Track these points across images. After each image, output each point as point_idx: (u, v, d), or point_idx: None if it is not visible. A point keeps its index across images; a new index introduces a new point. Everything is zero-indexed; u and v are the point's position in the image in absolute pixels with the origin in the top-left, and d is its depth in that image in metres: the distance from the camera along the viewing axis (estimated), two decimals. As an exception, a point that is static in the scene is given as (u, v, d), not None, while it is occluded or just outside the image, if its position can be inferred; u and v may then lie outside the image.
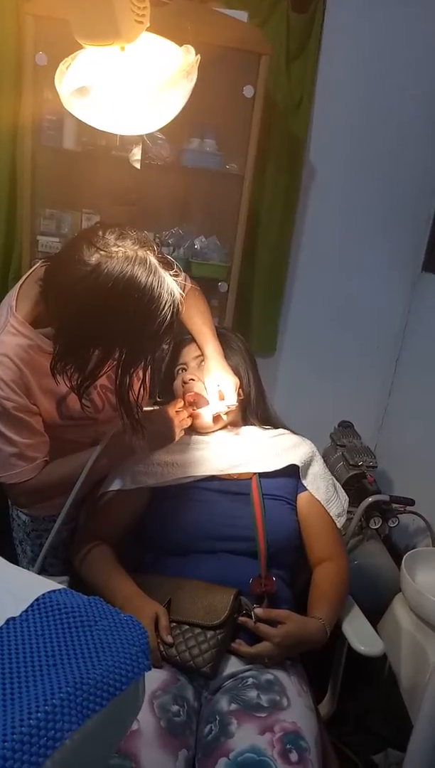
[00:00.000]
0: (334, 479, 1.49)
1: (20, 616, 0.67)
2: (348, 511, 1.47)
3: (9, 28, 1.98)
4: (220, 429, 1.43)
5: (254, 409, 1.48)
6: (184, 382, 1.41)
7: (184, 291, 1.09)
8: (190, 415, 1.33)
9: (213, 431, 1.43)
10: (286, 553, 1.35)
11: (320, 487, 1.42)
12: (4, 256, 2.23)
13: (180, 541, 1.31)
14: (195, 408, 1.35)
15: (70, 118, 2.02)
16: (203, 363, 1.41)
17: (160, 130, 2.00)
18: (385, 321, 2.69)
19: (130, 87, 1.06)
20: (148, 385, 1.19)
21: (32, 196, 2.07)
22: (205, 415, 1.38)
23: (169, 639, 1.14)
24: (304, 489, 1.41)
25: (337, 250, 2.59)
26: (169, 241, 2.27)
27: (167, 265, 1.07)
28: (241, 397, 1.43)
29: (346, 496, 1.48)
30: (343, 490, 1.49)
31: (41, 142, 2.05)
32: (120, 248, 1.02)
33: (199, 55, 1.07)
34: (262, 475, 1.38)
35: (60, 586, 0.74)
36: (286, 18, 2.19)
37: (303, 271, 2.59)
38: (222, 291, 2.28)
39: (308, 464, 1.43)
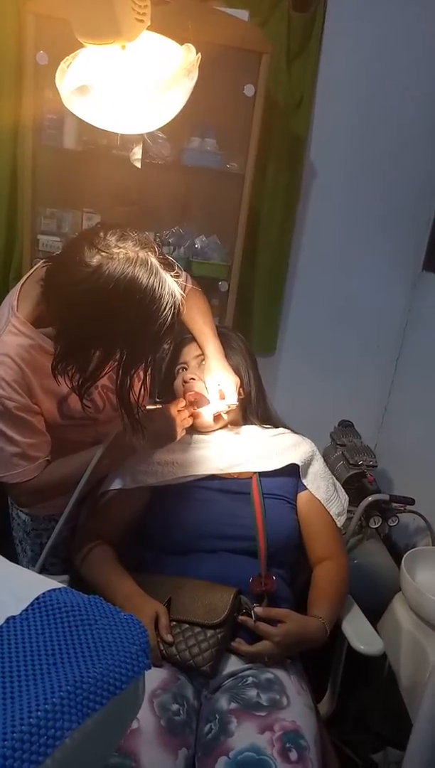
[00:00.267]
0: (334, 478, 1.49)
1: (20, 614, 0.68)
2: (348, 511, 1.47)
3: (10, 27, 1.98)
4: (221, 428, 1.43)
5: (255, 409, 1.48)
6: (185, 382, 1.41)
7: (185, 292, 1.10)
8: (191, 415, 1.34)
9: (213, 430, 1.43)
10: (286, 552, 1.35)
11: (320, 486, 1.42)
12: (5, 255, 2.23)
13: (180, 540, 1.31)
14: (196, 407, 1.35)
15: (70, 117, 2.02)
16: (204, 362, 1.41)
17: (161, 129, 2.00)
18: (385, 320, 2.69)
19: (131, 86, 1.06)
20: (148, 385, 1.19)
21: (33, 195, 2.07)
22: (206, 414, 1.38)
23: (169, 638, 1.14)
24: (305, 488, 1.41)
25: (337, 249, 2.59)
26: (170, 241, 2.27)
27: (168, 266, 1.07)
28: (242, 397, 1.44)
29: (346, 496, 1.48)
30: (343, 490, 1.49)
31: (42, 141, 2.05)
32: (121, 249, 1.02)
33: (200, 54, 1.07)
34: (263, 475, 1.38)
35: (60, 585, 0.74)
36: (286, 17, 2.19)
37: (303, 271, 2.59)
38: (222, 290, 2.28)
39: (308, 463, 1.43)
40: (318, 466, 1.45)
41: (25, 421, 1.19)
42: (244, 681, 1.14)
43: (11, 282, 2.21)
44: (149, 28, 1.03)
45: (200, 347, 1.43)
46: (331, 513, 1.40)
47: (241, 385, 1.43)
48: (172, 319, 1.06)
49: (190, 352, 1.45)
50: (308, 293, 2.62)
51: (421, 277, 2.58)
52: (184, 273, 1.11)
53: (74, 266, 1.02)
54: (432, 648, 1.39)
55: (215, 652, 1.13)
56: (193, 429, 1.40)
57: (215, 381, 1.38)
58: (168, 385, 1.49)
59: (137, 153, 2.09)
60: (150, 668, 0.66)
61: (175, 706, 1.07)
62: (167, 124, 1.14)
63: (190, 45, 1.08)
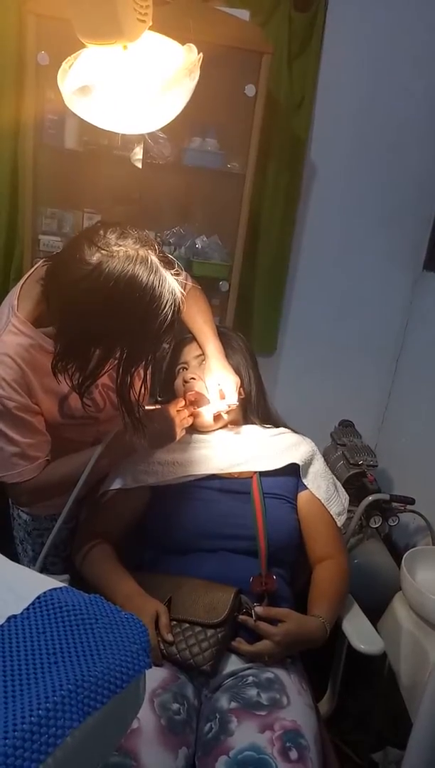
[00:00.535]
0: (335, 478, 1.49)
1: (21, 613, 0.68)
2: (348, 510, 1.47)
3: (11, 27, 1.98)
4: (221, 428, 1.44)
5: (255, 408, 1.49)
6: (185, 381, 1.41)
7: (185, 290, 1.09)
8: (191, 414, 1.34)
9: (214, 430, 1.43)
10: (287, 552, 1.35)
11: (321, 485, 1.42)
12: (6, 255, 2.23)
13: (180, 540, 1.31)
14: (196, 407, 1.35)
15: (71, 118, 2.02)
16: (204, 362, 1.41)
17: (162, 129, 2.00)
18: (385, 320, 2.69)
19: (133, 86, 1.06)
20: (149, 385, 1.19)
21: (34, 195, 2.07)
22: (206, 414, 1.38)
23: (169, 637, 1.15)
24: (305, 488, 1.41)
25: (337, 249, 2.59)
26: (171, 241, 2.27)
27: (168, 265, 1.07)
28: (242, 396, 1.44)
29: (347, 495, 1.48)
30: (343, 489, 1.49)
31: (43, 142, 2.05)
32: (121, 247, 1.02)
33: (201, 54, 1.07)
34: (263, 474, 1.38)
35: (61, 584, 0.74)
36: (287, 17, 2.19)
37: (304, 271, 2.59)
38: (223, 290, 2.28)
39: (309, 463, 1.43)
40: (318, 466, 1.45)
41: (25, 421, 1.19)
42: (244, 680, 1.14)
43: (12, 282, 2.21)
44: (151, 28, 1.03)
45: (200, 347, 1.43)
46: (332, 512, 1.40)
47: (242, 385, 1.43)
48: (172, 317, 1.06)
49: (190, 352, 1.45)
50: (309, 293, 2.62)
51: (422, 276, 2.58)
52: (183, 272, 1.11)
53: (74, 264, 1.02)
54: (432, 647, 1.39)
55: (215, 651, 1.13)
56: (194, 428, 1.40)
57: (215, 381, 1.38)
58: (168, 384, 1.49)
59: (138, 153, 2.09)
60: (151, 667, 0.66)
61: (175, 706, 1.07)
62: (168, 124, 1.14)
63: (191, 45, 1.08)
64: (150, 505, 1.37)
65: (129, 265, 1.01)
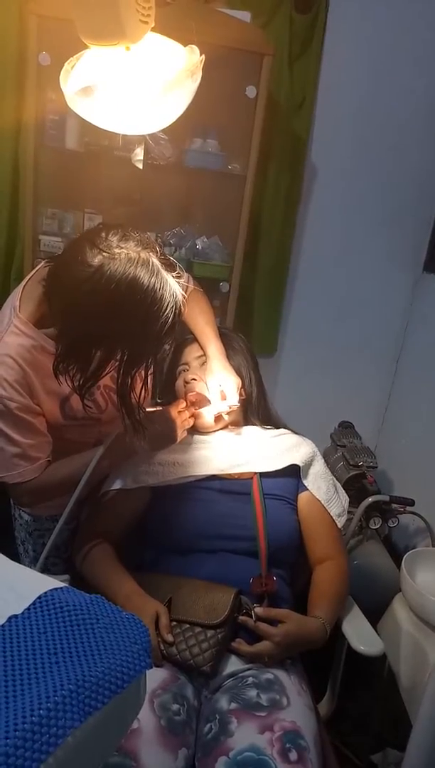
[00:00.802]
0: (335, 479, 1.50)
1: (22, 613, 0.68)
2: (348, 511, 1.47)
3: (12, 28, 1.98)
4: (222, 429, 1.44)
5: (255, 409, 1.49)
6: (186, 382, 1.41)
7: (186, 292, 1.10)
8: (192, 415, 1.34)
9: (214, 431, 1.43)
10: (287, 553, 1.36)
11: (321, 487, 1.42)
12: (6, 256, 2.23)
13: (181, 540, 1.31)
14: (197, 408, 1.35)
15: (72, 118, 2.02)
16: (205, 363, 1.41)
17: (163, 131, 2.00)
18: (385, 321, 2.69)
19: (135, 86, 1.06)
20: (150, 386, 1.19)
21: (34, 195, 2.07)
22: (207, 414, 1.38)
23: (169, 638, 1.15)
24: (305, 489, 1.41)
25: (338, 250, 2.59)
26: (171, 241, 2.27)
27: (170, 267, 1.07)
28: (243, 397, 1.44)
29: (347, 496, 1.48)
30: (343, 490, 1.49)
31: (44, 142, 2.05)
32: (123, 250, 1.02)
33: (203, 55, 1.07)
34: (263, 475, 1.39)
35: (62, 584, 0.74)
36: (288, 18, 2.19)
37: (304, 272, 2.59)
38: (223, 291, 2.28)
39: (309, 464, 1.43)
40: (319, 467, 1.45)
41: (26, 422, 1.19)
42: (244, 681, 1.14)
43: (12, 282, 2.22)
44: (153, 30, 1.03)
45: (202, 348, 1.43)
46: (332, 514, 1.40)
47: (243, 386, 1.43)
48: (173, 320, 1.07)
49: (191, 353, 1.45)
50: (309, 294, 2.62)
51: (422, 278, 2.58)
52: (185, 273, 1.11)
53: (76, 266, 1.02)
54: (432, 649, 1.39)
55: (215, 652, 1.13)
56: (194, 429, 1.40)
57: (217, 381, 1.38)
58: (169, 385, 1.49)
59: (139, 154, 2.09)
60: (151, 668, 0.66)
61: (175, 706, 1.07)
62: (169, 125, 1.15)
63: (193, 46, 1.08)
64: (150, 506, 1.37)
65: (130, 267, 1.01)
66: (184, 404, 1.33)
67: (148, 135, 2.04)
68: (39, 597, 0.70)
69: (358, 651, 1.25)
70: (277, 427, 1.50)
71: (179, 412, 1.30)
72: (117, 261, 1.01)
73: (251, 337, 2.48)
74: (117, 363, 1.09)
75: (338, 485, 1.49)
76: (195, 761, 1.04)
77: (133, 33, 0.97)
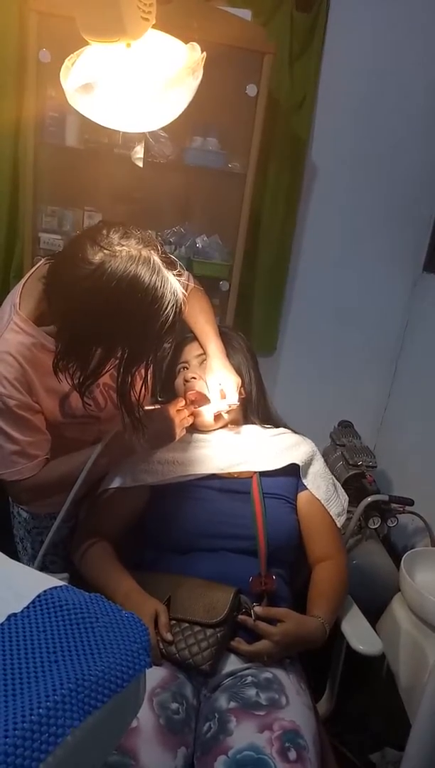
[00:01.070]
0: (334, 479, 1.49)
1: (22, 612, 0.67)
2: (347, 511, 1.47)
3: (12, 25, 1.98)
4: (221, 427, 1.43)
5: (255, 408, 1.49)
6: (186, 381, 1.41)
7: (187, 290, 1.09)
8: (192, 414, 1.34)
9: (214, 430, 1.43)
10: (286, 552, 1.35)
11: (320, 486, 1.42)
12: (6, 253, 2.23)
13: (180, 539, 1.31)
14: (196, 406, 1.35)
15: (72, 115, 2.02)
16: (205, 361, 1.41)
17: (163, 129, 1.98)
18: (385, 321, 2.69)
19: (136, 84, 1.06)
20: (150, 384, 1.18)
21: (34, 193, 2.07)
22: (207, 413, 1.38)
23: (168, 637, 1.14)
24: (305, 488, 1.41)
25: (338, 249, 2.59)
26: (171, 240, 2.27)
27: (170, 265, 1.07)
28: (243, 396, 1.44)
29: (346, 496, 1.48)
30: (343, 490, 1.49)
31: (43, 139, 2.05)
32: (124, 247, 1.02)
33: (204, 53, 1.07)
34: (263, 474, 1.38)
35: (61, 583, 0.74)
36: (289, 17, 2.19)
37: (304, 271, 2.59)
38: (223, 290, 2.28)
39: (309, 463, 1.43)
40: (318, 466, 1.45)
41: (26, 420, 1.19)
42: (243, 680, 1.14)
43: (12, 280, 2.21)
44: (154, 27, 1.03)
45: (202, 346, 1.43)
46: (331, 513, 1.40)
47: (242, 385, 1.43)
48: (173, 318, 1.06)
49: (191, 351, 1.45)
50: (309, 293, 2.62)
51: (421, 278, 2.58)
52: (186, 272, 1.11)
53: (76, 264, 1.02)
54: (431, 649, 1.39)
55: (214, 651, 1.13)
56: (194, 428, 1.40)
57: (216, 380, 1.38)
58: (169, 384, 1.49)
59: (139, 152, 2.08)
60: (151, 667, 0.66)
61: (174, 705, 1.07)
62: (169, 123, 1.14)
63: (194, 44, 1.08)
64: (150, 505, 1.37)
65: (131, 265, 1.00)
66: (184, 402, 1.33)
67: (149, 133, 2.04)
68: (38, 595, 0.70)
69: (357, 650, 1.25)
70: (277, 426, 1.50)
71: (178, 410, 1.30)
72: (118, 259, 1.00)
73: (251, 335, 2.48)
74: (117, 361, 1.08)
75: (338, 484, 1.49)
76: (194, 760, 1.04)
77: (134, 30, 0.97)
